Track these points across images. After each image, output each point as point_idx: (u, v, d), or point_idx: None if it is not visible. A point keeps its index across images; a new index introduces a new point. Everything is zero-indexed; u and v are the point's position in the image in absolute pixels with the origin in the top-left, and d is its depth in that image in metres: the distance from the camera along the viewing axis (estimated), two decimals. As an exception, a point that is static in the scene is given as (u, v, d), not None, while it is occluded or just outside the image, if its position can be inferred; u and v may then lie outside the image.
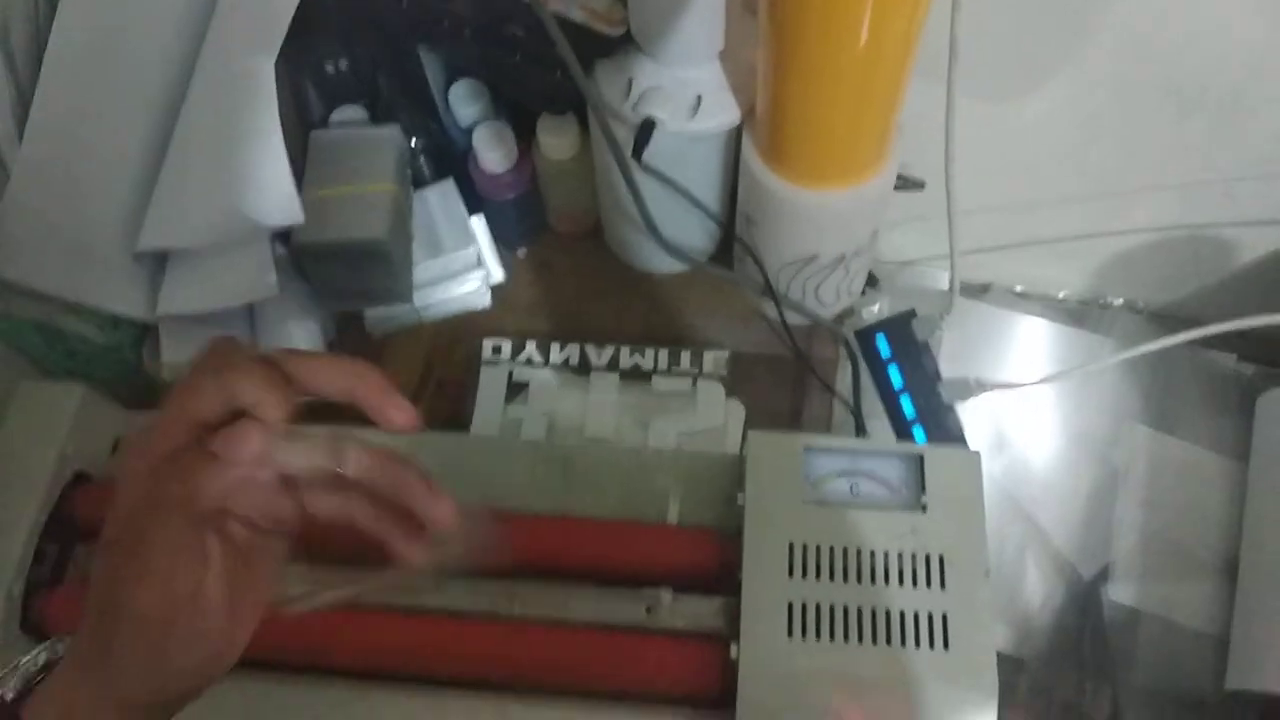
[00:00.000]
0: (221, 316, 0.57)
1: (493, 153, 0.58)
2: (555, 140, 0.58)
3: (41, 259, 0.48)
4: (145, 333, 0.56)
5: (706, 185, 0.57)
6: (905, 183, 0.59)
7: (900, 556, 0.46)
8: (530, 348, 0.63)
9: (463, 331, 0.64)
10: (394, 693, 0.48)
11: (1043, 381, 0.66)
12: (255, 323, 0.58)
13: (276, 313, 0.58)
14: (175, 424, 0.29)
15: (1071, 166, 0.63)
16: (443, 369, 0.63)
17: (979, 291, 0.75)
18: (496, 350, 0.63)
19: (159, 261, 0.54)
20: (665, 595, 0.49)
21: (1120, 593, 0.65)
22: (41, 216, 0.47)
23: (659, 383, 0.62)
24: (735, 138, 0.54)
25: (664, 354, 0.62)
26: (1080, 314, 0.75)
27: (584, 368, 0.62)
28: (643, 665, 0.47)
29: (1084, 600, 0.66)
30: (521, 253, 0.68)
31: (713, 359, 0.62)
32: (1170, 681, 0.64)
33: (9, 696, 0.36)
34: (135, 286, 0.53)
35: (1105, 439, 0.70)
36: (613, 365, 0.62)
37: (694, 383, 0.62)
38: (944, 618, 0.45)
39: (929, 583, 0.45)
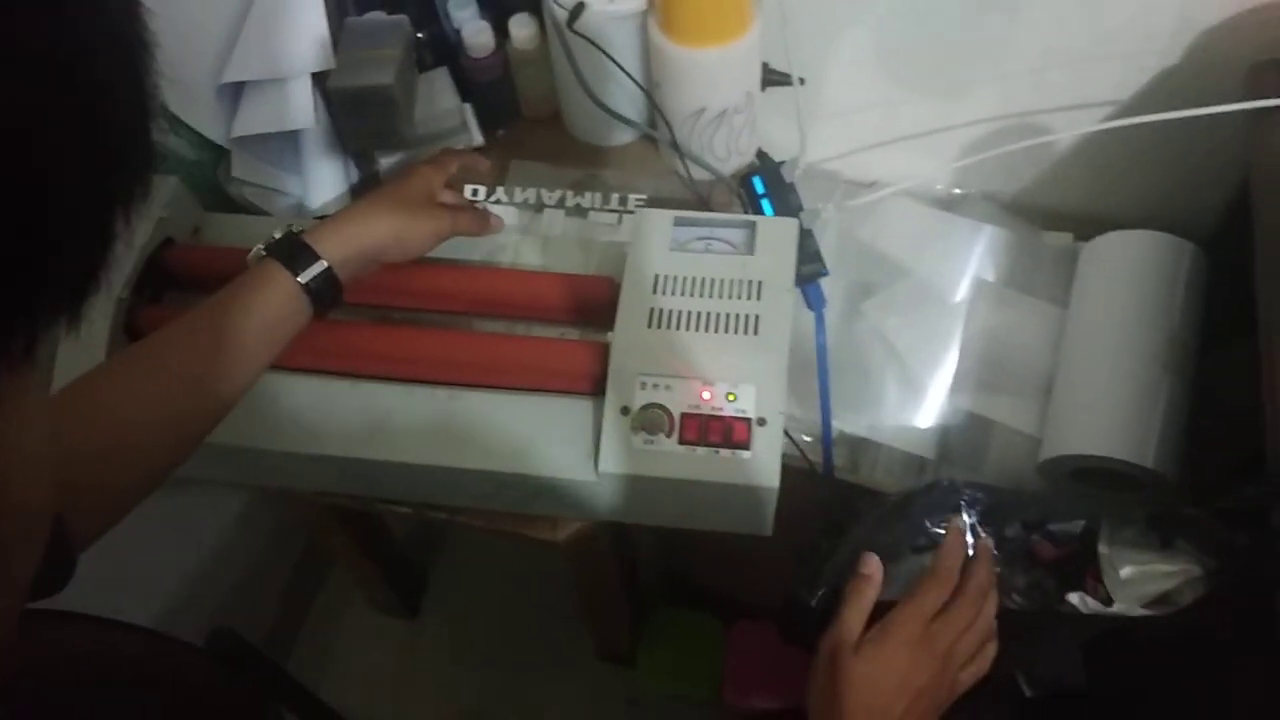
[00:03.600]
0: (276, 153, 0.79)
1: (477, 39, 0.81)
2: (521, 33, 0.81)
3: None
4: (221, 157, 0.79)
5: (632, 60, 0.78)
6: (772, 75, 0.79)
7: (732, 282, 0.65)
8: (499, 190, 0.84)
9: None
10: (379, 384, 0.68)
11: (885, 195, 0.84)
12: (301, 160, 0.80)
13: (314, 153, 0.80)
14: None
15: (916, 62, 0.82)
16: (435, 209, 0.85)
17: (867, 187, 0.94)
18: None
19: (234, 101, 0.76)
20: (573, 329, 0.69)
21: (959, 400, 0.82)
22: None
23: (594, 216, 0.82)
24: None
25: (599, 197, 0.83)
26: (950, 202, 0.94)
27: (539, 205, 0.83)
28: (555, 358, 0.66)
29: (928, 405, 0.83)
30: (500, 134, 0.89)
31: (634, 200, 0.82)
32: (996, 467, 0.80)
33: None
34: (217, 116, 0.76)
35: (960, 294, 0.88)
36: (560, 204, 0.83)
37: (620, 218, 0.82)
38: (756, 318, 0.64)
39: (749, 296, 0.65)
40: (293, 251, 0.59)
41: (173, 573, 1.06)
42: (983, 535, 0.68)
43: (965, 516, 0.69)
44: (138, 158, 0.24)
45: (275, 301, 0.58)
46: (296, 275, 0.59)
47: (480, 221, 0.72)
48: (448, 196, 0.72)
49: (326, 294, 0.60)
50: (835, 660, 0.57)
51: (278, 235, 0.61)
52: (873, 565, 0.61)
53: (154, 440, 0.53)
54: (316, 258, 0.59)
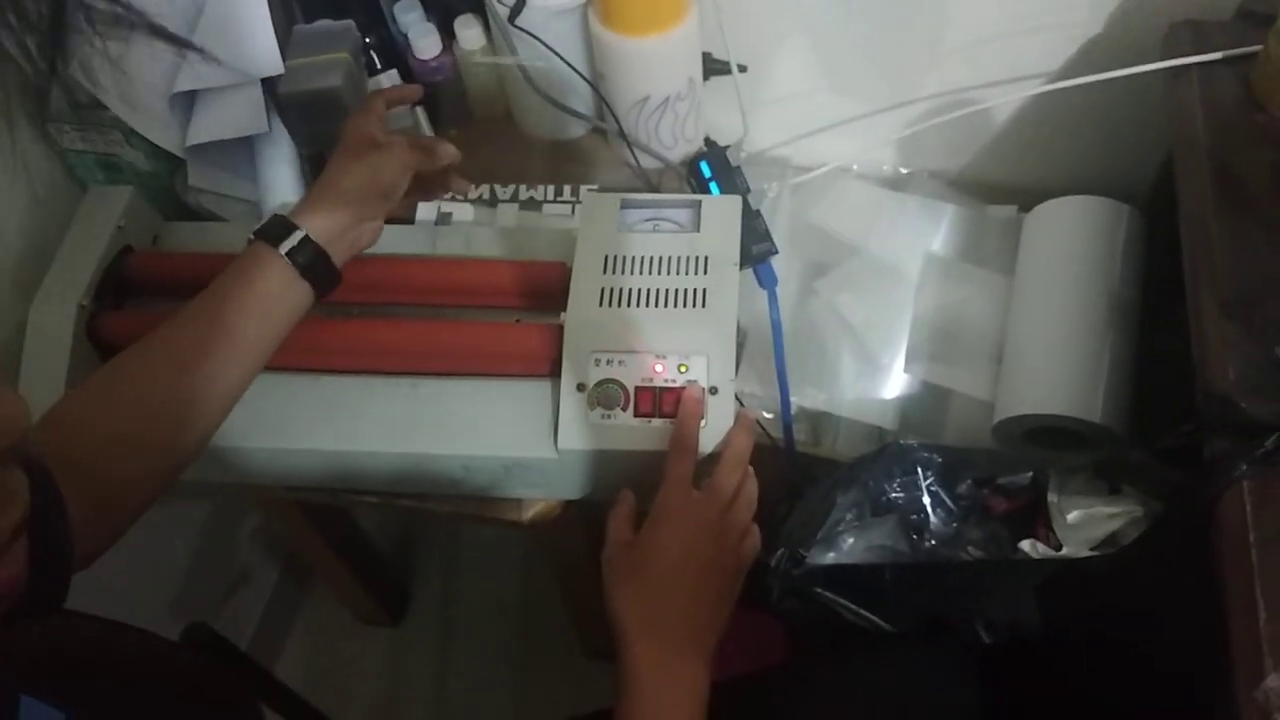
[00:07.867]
0: (231, 161, 0.80)
1: (423, 40, 0.83)
2: (466, 33, 0.83)
3: (113, 94, 0.72)
4: (177, 167, 0.80)
5: (575, 53, 0.80)
6: (714, 65, 0.82)
7: (680, 259, 0.67)
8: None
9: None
10: (341, 377, 0.69)
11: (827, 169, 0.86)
12: (256, 164, 0.81)
13: (269, 158, 0.81)
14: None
15: (850, 47, 0.85)
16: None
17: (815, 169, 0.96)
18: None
19: (186, 110, 0.77)
20: (529, 314, 0.70)
21: (915, 371, 0.84)
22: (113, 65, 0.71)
23: (547, 209, 0.84)
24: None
25: (551, 189, 0.85)
26: (897, 182, 0.96)
27: (493, 201, 0.85)
28: (512, 342, 0.68)
29: (886, 377, 0.85)
30: (452, 133, 0.91)
31: (585, 191, 0.84)
32: (955, 434, 0.82)
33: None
34: (170, 126, 0.77)
35: (910, 269, 0.90)
36: (514, 198, 0.85)
37: (573, 209, 0.84)
38: (704, 291, 0.65)
39: (696, 272, 0.66)
40: (274, 229, 0.61)
41: (152, 590, 1.06)
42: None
43: (920, 477, 0.71)
44: None
45: (262, 277, 0.60)
46: (277, 247, 0.60)
47: (430, 146, 0.70)
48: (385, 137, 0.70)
49: (315, 265, 0.61)
50: (614, 560, 0.59)
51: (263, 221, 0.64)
52: (621, 492, 0.63)
53: (161, 431, 0.55)
54: (294, 228, 0.61)
